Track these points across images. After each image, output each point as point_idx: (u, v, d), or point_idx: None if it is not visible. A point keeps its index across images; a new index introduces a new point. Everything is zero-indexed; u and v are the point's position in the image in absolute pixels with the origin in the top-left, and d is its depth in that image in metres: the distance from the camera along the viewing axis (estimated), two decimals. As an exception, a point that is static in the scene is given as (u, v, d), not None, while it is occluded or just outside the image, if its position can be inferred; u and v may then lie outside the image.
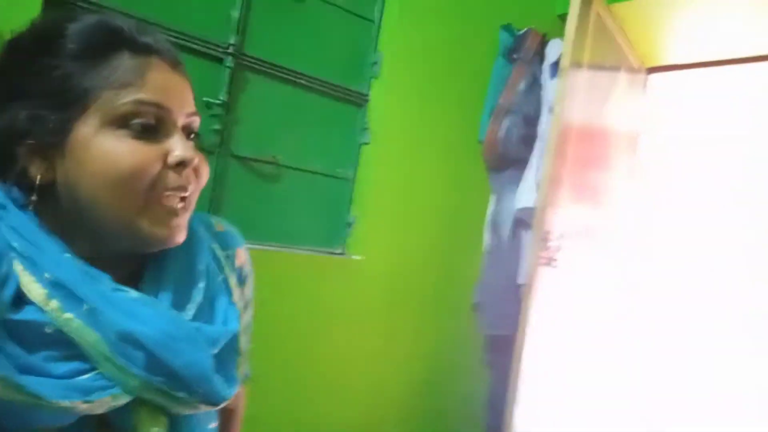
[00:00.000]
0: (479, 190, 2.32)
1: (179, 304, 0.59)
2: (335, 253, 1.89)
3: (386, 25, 1.95)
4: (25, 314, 0.51)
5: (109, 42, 0.55)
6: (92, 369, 0.53)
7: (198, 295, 0.61)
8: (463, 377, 2.34)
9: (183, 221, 0.59)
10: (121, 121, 0.54)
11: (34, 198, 0.55)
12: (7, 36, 0.57)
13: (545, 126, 2.26)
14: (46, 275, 0.52)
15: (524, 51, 2.31)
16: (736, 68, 2.77)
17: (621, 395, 2.99)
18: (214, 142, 1.59)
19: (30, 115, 0.54)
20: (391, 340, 2.06)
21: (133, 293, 0.55)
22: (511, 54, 2.31)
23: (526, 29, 2.32)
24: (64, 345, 0.52)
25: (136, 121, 0.54)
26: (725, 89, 3.20)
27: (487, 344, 2.35)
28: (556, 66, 2.26)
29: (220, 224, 0.74)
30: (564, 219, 2.08)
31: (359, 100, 1.93)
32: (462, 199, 2.26)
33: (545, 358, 2.10)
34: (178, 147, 0.57)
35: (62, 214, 0.56)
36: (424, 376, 2.19)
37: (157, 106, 0.56)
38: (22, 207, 0.56)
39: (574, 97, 2.04)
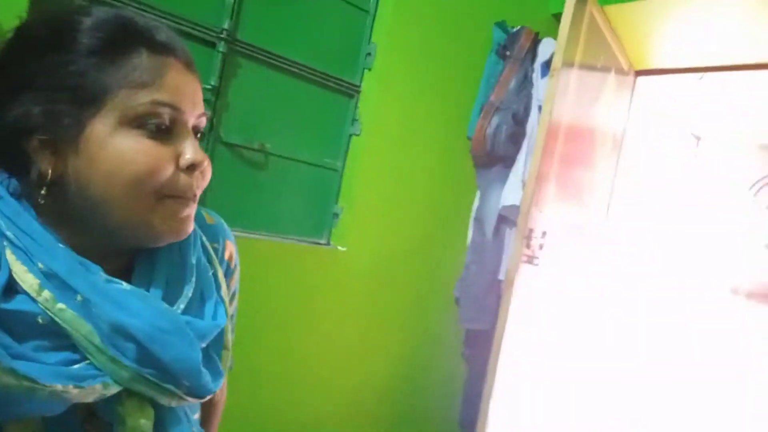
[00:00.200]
0: (466, 185, 2.33)
1: (170, 298, 0.59)
2: (320, 244, 1.90)
3: (381, 17, 1.94)
4: (17, 304, 0.51)
5: (127, 39, 0.55)
6: (83, 359, 0.53)
7: (189, 290, 0.61)
8: (441, 370, 2.37)
9: (191, 217, 0.60)
10: (137, 121, 0.54)
11: (44, 192, 0.54)
12: (17, 23, 0.56)
13: (534, 124, 2.28)
14: (40, 265, 0.52)
15: (517, 49, 2.31)
16: (722, 75, 2.81)
17: (598, 393, 3.06)
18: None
19: (45, 110, 0.53)
20: (373, 332, 2.08)
21: (125, 285, 0.55)
22: (503, 51, 2.32)
23: (519, 27, 2.33)
24: (55, 335, 0.52)
25: (152, 121, 0.55)
26: (711, 95, 3.25)
27: (466, 338, 2.39)
28: (547, 65, 2.27)
29: (210, 216, 0.74)
30: (547, 217, 2.11)
31: (351, 91, 1.93)
32: (448, 194, 2.27)
33: (522, 354, 2.14)
34: (189, 150, 0.57)
35: (64, 208, 0.56)
36: (403, 367, 2.21)
37: (173, 107, 0.56)
38: (18, 197, 0.56)
39: (563, 97, 2.05)
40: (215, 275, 0.68)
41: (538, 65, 2.37)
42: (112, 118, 0.54)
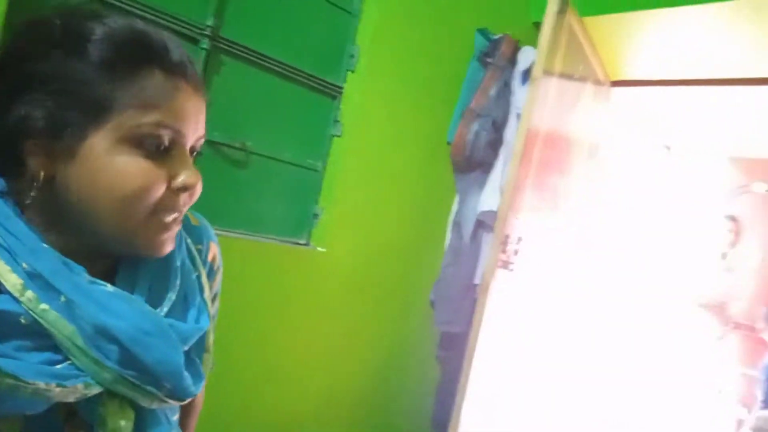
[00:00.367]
0: (445, 190, 2.36)
1: (154, 301, 0.59)
2: (300, 244, 1.90)
3: (366, 19, 1.95)
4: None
5: (141, 57, 0.54)
6: (65, 360, 0.53)
7: (173, 293, 0.61)
8: (416, 372, 2.39)
9: (174, 234, 0.60)
10: (138, 140, 0.54)
11: (33, 194, 0.54)
12: (25, 20, 0.55)
13: (512, 131, 2.31)
14: (24, 265, 0.52)
15: (498, 56, 2.34)
16: (694, 89, 2.89)
17: (568, 395, 3.11)
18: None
19: (48, 115, 0.52)
20: (349, 332, 2.09)
21: (109, 287, 0.55)
22: (485, 58, 2.34)
23: (501, 35, 2.36)
24: (38, 336, 0.52)
25: (152, 142, 0.55)
26: (683, 107, 3.34)
27: (440, 341, 2.41)
28: (527, 73, 2.30)
29: (195, 218, 0.74)
30: (524, 223, 2.14)
31: (333, 92, 1.93)
32: (427, 197, 2.29)
33: (496, 357, 2.17)
34: (184, 172, 0.57)
35: (52, 211, 0.55)
36: (378, 368, 2.23)
37: (176, 131, 0.56)
38: (3, 196, 0.55)
39: (542, 105, 2.09)
40: (198, 278, 0.68)
41: (518, 73, 2.40)
42: (114, 133, 0.53)
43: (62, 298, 0.52)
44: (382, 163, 2.09)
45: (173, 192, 0.57)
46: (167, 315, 0.59)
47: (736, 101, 3.06)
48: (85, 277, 0.54)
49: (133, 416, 0.56)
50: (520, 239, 2.10)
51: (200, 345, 0.65)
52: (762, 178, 3.72)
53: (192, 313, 0.63)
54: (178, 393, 0.58)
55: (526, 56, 2.37)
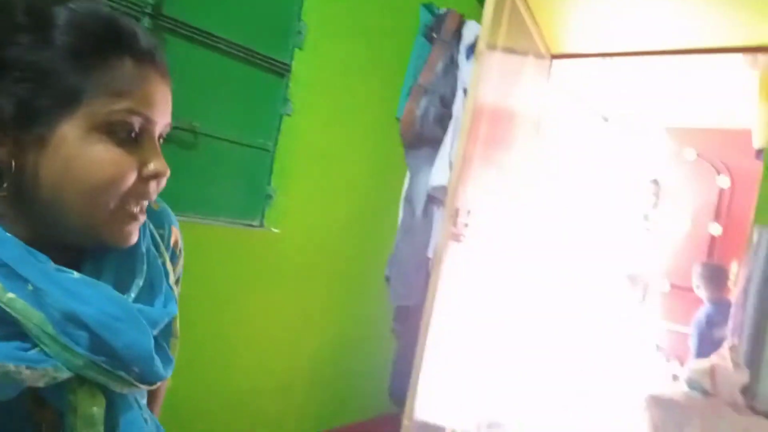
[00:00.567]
0: (396, 166, 2.38)
1: (121, 287, 0.59)
2: (253, 226, 1.88)
3: (311, -5, 1.92)
4: None
5: (111, 45, 0.54)
6: (34, 347, 0.52)
7: (140, 279, 0.61)
8: (373, 346, 2.44)
9: (138, 228, 0.60)
10: (108, 128, 0.54)
11: (5, 185, 0.53)
12: None
13: (460, 106, 2.35)
14: None
15: (443, 31, 2.36)
16: (631, 60, 3.01)
17: (518, 362, 3.25)
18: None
19: (16, 103, 0.51)
20: (306, 310, 2.10)
21: (75, 274, 0.55)
22: (430, 33, 2.36)
23: (445, 9, 2.37)
24: (5, 324, 0.51)
25: (123, 129, 0.55)
26: (620, 78, 3.47)
27: (395, 315, 2.46)
28: (472, 48, 2.34)
29: (156, 202, 0.73)
30: (472, 197, 2.20)
31: (281, 70, 1.90)
32: (379, 174, 2.31)
33: (450, 327, 2.23)
34: (153, 160, 0.58)
35: (16, 199, 0.54)
36: (335, 344, 2.25)
37: (146, 117, 0.56)
38: None
39: (487, 80, 2.13)
40: (164, 264, 0.67)
41: (463, 48, 2.43)
42: (84, 122, 0.53)
43: (29, 287, 0.51)
44: (333, 140, 2.08)
45: (143, 180, 0.57)
46: (135, 301, 0.59)
47: (671, 72, 3.20)
48: (51, 265, 0.54)
49: (104, 402, 0.56)
50: (469, 212, 2.16)
51: (167, 330, 0.65)
52: (693, 145, 3.93)
53: (159, 299, 0.63)
54: (148, 377, 0.58)
55: (470, 31, 2.40)
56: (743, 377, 1.45)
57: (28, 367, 0.50)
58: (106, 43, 0.54)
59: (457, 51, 2.43)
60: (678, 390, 1.48)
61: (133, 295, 0.59)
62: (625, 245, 4.00)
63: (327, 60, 1.99)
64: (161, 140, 0.61)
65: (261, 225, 1.89)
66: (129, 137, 0.55)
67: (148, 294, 0.62)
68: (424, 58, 2.34)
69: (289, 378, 2.08)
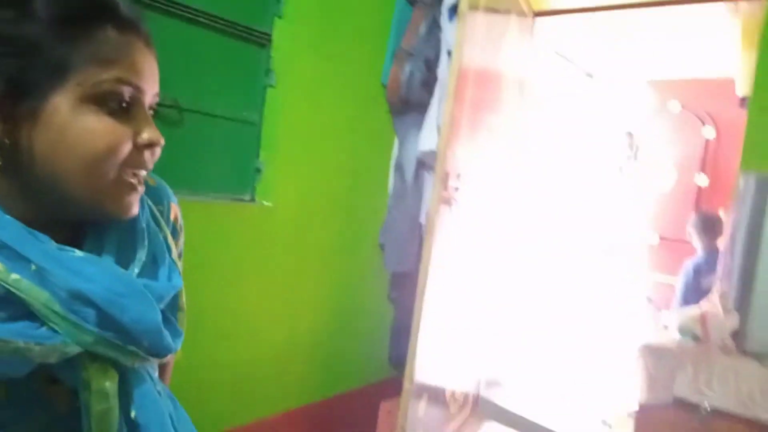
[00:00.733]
0: (384, 132, 2.37)
1: (123, 263, 0.60)
2: (245, 200, 1.87)
3: (289, -39, 1.87)
4: None
5: (93, 14, 0.54)
6: (42, 326, 0.53)
7: (142, 254, 0.62)
8: (370, 313, 2.46)
9: (139, 195, 0.61)
10: (99, 98, 0.54)
11: (1, 164, 0.53)
12: None
13: (445, 69, 2.33)
14: None
15: (424, -7, 2.32)
16: (613, 14, 2.98)
17: (515, 321, 3.31)
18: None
19: (5, 77, 0.51)
20: (301, 282, 2.11)
21: (78, 252, 0.55)
22: (411, -5, 2.32)
23: (426, -30, 2.33)
24: (12, 304, 0.52)
25: (113, 99, 0.55)
26: (603, 34, 3.44)
27: (391, 281, 2.48)
28: (454, 9, 2.30)
29: (152, 179, 0.73)
30: (461, 160, 2.20)
31: (262, 40, 1.86)
32: (368, 141, 2.30)
33: (445, 291, 2.26)
34: (146, 129, 0.58)
35: (13, 177, 0.55)
36: (333, 313, 2.28)
37: (134, 86, 0.56)
38: None
39: (471, 41, 2.11)
40: (165, 238, 0.68)
41: (445, 9, 2.39)
42: (75, 93, 0.53)
43: (33, 267, 0.52)
44: (319, 110, 2.06)
45: (138, 149, 0.58)
46: (138, 276, 0.60)
47: (653, 25, 3.18)
48: (53, 244, 0.54)
49: (116, 376, 0.57)
50: (459, 176, 2.16)
51: (174, 303, 0.66)
52: (678, 97, 3.94)
53: (163, 273, 0.63)
54: (158, 350, 0.59)
55: (452, -9, 2.36)
56: (733, 322, 1.49)
57: (37, 344, 0.51)
58: (89, 13, 0.54)
59: (439, 13, 2.39)
60: (669, 338, 1.52)
61: (136, 270, 0.60)
62: (613, 200, 4.04)
63: (308, 28, 1.95)
64: (151, 111, 0.61)
65: (252, 199, 1.89)
66: (120, 107, 0.55)
67: (152, 268, 0.63)
68: (406, 21, 2.31)
69: (288, 348, 2.11)
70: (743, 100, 1.94)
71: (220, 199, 1.80)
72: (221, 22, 1.72)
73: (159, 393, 0.64)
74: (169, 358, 0.83)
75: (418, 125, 2.32)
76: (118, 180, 0.57)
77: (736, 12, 2.55)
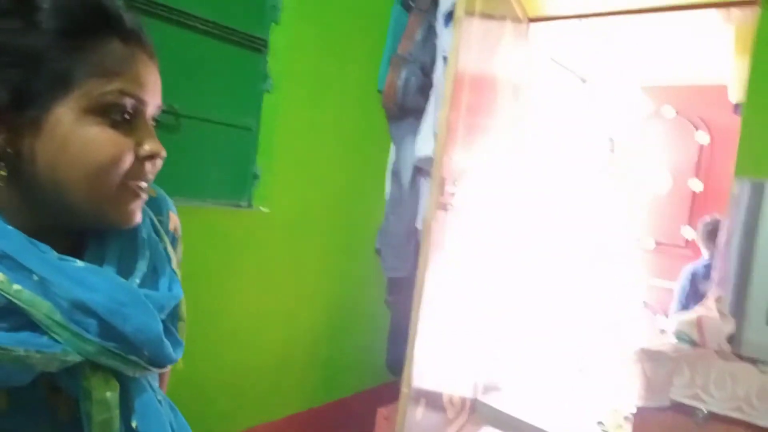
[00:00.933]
0: (380, 138, 2.37)
1: (124, 273, 0.60)
2: (242, 206, 1.87)
3: (285, -32, 1.88)
4: None
5: (98, 25, 0.55)
6: (43, 335, 0.53)
7: (143, 264, 0.62)
8: (368, 318, 2.46)
9: (142, 204, 0.61)
10: (102, 110, 0.55)
11: (3, 173, 0.53)
12: None
13: (440, 75, 2.34)
14: None
15: (420, -1, 2.33)
16: (607, 20, 3.00)
17: (512, 328, 3.31)
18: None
19: (8, 88, 0.52)
20: (299, 287, 2.11)
21: (79, 263, 0.55)
22: (407, 1, 2.33)
23: (421, -23, 2.34)
24: (14, 315, 0.52)
25: (116, 111, 0.55)
26: (597, 40, 3.47)
27: (388, 286, 2.48)
28: (450, 15, 2.31)
29: (152, 189, 0.74)
30: (458, 165, 2.20)
31: (259, 46, 1.87)
32: (364, 147, 2.30)
33: (442, 296, 2.26)
34: (149, 141, 0.58)
35: (15, 187, 0.55)
36: (330, 319, 2.28)
37: (138, 99, 0.57)
38: None
39: (467, 47, 2.12)
40: (165, 248, 0.68)
41: (440, 15, 2.40)
42: (78, 104, 0.53)
43: (34, 277, 0.52)
44: (316, 116, 2.07)
45: (140, 161, 0.58)
46: (140, 286, 0.60)
47: (647, 31, 3.21)
48: (54, 254, 0.54)
49: (117, 386, 0.57)
50: (456, 181, 2.17)
51: (175, 314, 0.66)
52: (672, 103, 3.96)
53: (164, 283, 0.64)
54: (159, 360, 0.59)
55: (447, -2, 2.37)
56: (729, 327, 1.49)
57: (38, 352, 0.51)
58: (93, 25, 0.54)
59: (435, 19, 2.40)
60: (667, 342, 1.52)
61: (137, 280, 0.60)
62: (609, 204, 4.06)
63: (304, 33, 1.96)
64: (153, 122, 0.61)
65: (249, 205, 1.89)
66: (122, 119, 0.56)
67: (152, 279, 0.63)
68: (402, 27, 2.32)
69: (286, 354, 2.10)
70: (737, 107, 1.95)
71: (217, 205, 1.80)
72: (218, 27, 1.73)
73: (160, 402, 0.64)
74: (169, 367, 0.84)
75: (415, 131, 2.33)
76: (120, 189, 0.57)
77: (728, 18, 2.57)
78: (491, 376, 3.18)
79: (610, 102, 4.22)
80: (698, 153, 3.81)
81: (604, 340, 3.36)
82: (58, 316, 0.52)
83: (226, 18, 1.75)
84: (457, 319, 2.57)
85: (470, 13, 2.09)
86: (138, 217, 0.61)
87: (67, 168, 0.54)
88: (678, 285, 3.15)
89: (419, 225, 2.31)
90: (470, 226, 2.54)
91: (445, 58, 2.31)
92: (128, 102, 0.56)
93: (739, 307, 1.50)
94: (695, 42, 3.22)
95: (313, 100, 2.04)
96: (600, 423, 2.85)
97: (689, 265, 3.16)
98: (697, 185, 3.79)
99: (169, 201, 0.75)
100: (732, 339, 1.49)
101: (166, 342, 0.60)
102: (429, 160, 2.22)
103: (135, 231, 0.62)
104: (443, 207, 2.12)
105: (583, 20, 3.07)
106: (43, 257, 0.53)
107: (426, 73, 2.33)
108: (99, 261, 0.59)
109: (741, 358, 1.47)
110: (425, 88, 2.33)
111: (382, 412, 2.38)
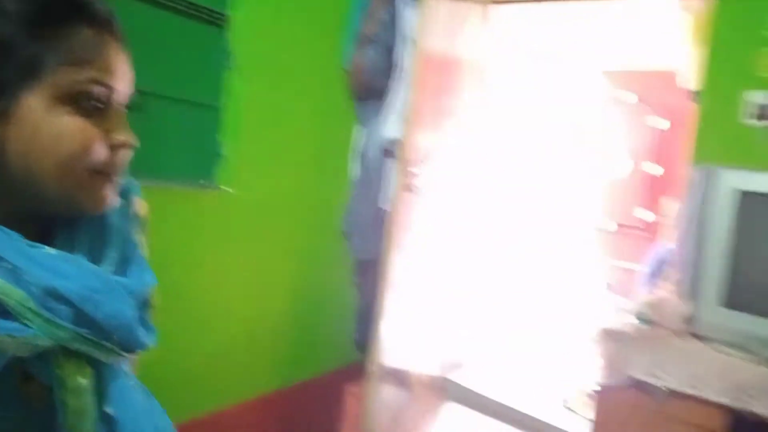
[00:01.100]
0: (347, 118, 2.35)
1: (95, 260, 0.60)
2: (206, 186, 1.82)
3: (247, -61, 1.82)
4: None
5: (67, 12, 0.54)
6: (15, 321, 0.52)
7: (113, 251, 0.62)
8: (334, 299, 2.46)
9: (113, 190, 0.61)
10: (73, 99, 0.54)
11: None
12: None
13: (406, 56, 2.32)
14: None
15: (385, -22, 2.30)
16: (570, 5, 3.03)
17: (478, 307, 3.36)
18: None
19: None
20: (265, 269, 2.09)
21: (50, 250, 0.55)
22: (371, -20, 2.29)
23: (386, -44, 2.30)
24: None
25: (87, 99, 0.55)
26: (559, 24, 3.50)
27: (355, 267, 2.48)
28: (413, -5, 2.29)
29: None
30: (425, 146, 2.20)
31: (220, 21, 1.81)
32: (331, 127, 2.28)
33: (408, 276, 2.27)
34: (119, 130, 0.58)
35: None
36: (297, 300, 2.27)
37: (108, 86, 0.57)
38: None
39: (432, 28, 2.11)
40: (134, 234, 0.69)
41: (403, -5, 2.37)
42: (49, 93, 0.53)
43: (7, 265, 0.51)
44: (281, 94, 2.03)
45: (111, 149, 0.58)
46: (112, 273, 0.60)
47: (608, 16, 3.25)
48: (24, 242, 0.54)
49: (90, 373, 0.57)
50: (422, 162, 2.17)
51: (146, 301, 0.66)
52: (633, 89, 4.04)
53: (135, 269, 0.64)
54: (132, 346, 0.59)
55: (410, -22, 2.34)
56: (685, 308, 1.55)
57: (9, 336, 0.50)
58: (62, 11, 0.54)
59: (400, -1, 2.37)
60: (627, 323, 1.57)
61: (108, 266, 0.60)
62: (573, 187, 4.14)
63: (267, 9, 1.91)
64: (125, 110, 0.61)
65: (214, 185, 1.84)
66: (93, 107, 0.56)
67: (123, 265, 0.63)
68: (367, 5, 2.29)
69: (253, 335, 2.09)
70: (693, 94, 2.00)
71: (181, 186, 1.75)
72: (177, 1, 1.66)
73: (133, 387, 0.65)
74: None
75: (381, 112, 2.31)
76: (92, 177, 0.57)
77: (687, 7, 2.62)
78: (458, 355, 3.24)
79: (572, 86, 4.28)
80: (658, 138, 3.91)
81: (569, 320, 3.45)
82: (31, 304, 0.51)
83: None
84: (424, 299, 2.60)
85: (433, -6, 2.08)
86: (109, 202, 0.60)
87: (37, 157, 0.54)
88: (644, 267, 3.24)
89: (385, 206, 2.30)
90: (437, 208, 2.56)
91: (410, 39, 2.29)
92: (99, 90, 0.55)
93: (694, 289, 1.55)
94: (655, 29, 3.29)
95: (277, 77, 2.00)
96: (565, 401, 2.94)
97: (655, 249, 3.26)
98: (656, 169, 3.90)
99: (136, 185, 0.74)
100: (688, 320, 1.54)
101: (140, 328, 0.60)
102: (396, 142, 2.21)
103: (104, 217, 0.62)
104: (409, 188, 2.12)
105: (545, 4, 3.09)
106: (14, 245, 0.53)
107: (392, 54, 2.30)
108: (69, 248, 0.58)
109: (696, 337, 1.53)
110: (391, 69, 2.31)
111: (350, 390, 2.40)
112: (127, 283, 0.60)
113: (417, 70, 2.02)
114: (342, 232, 2.40)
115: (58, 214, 0.60)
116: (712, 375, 1.33)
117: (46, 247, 0.55)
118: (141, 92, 1.58)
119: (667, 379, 1.37)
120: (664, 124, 3.89)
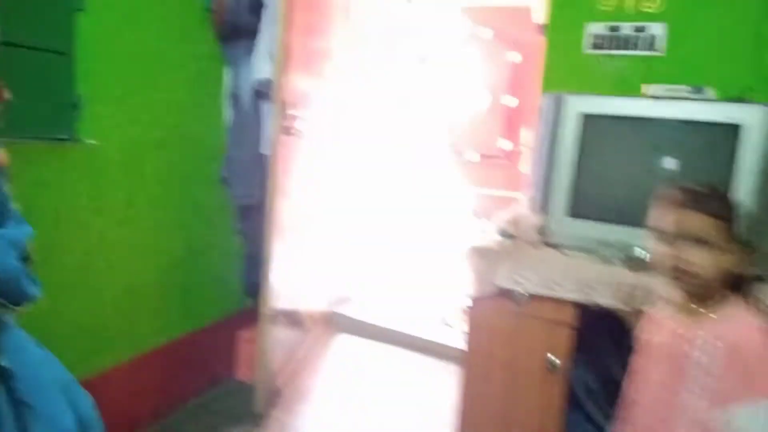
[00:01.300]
0: (214, 60, 2.27)
1: None
2: (65, 140, 1.70)
3: None
4: None
5: None
6: None
7: None
8: (218, 247, 2.44)
9: None
10: None
11: None
12: None
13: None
14: None
15: None
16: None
17: (359, 242, 3.49)
18: None
19: None
20: (141, 222, 2.02)
21: None
22: None
23: None
24: None
25: None
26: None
27: (238, 213, 2.46)
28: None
29: None
30: (299, 88, 2.21)
31: (63, -44, 1.64)
32: (197, 70, 2.19)
33: (292, 219, 2.32)
34: None
35: None
36: (179, 251, 2.22)
37: None
38: None
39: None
40: (3, 185, 0.65)
41: (266, -72, 2.29)
42: None
43: None
44: (140, 36, 1.91)
45: None
46: None
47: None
48: None
49: None
50: (298, 104, 2.18)
51: (25, 252, 0.65)
52: (489, 24, 4.25)
53: (10, 220, 0.61)
54: (20, 298, 0.59)
55: None
56: (539, 221, 1.77)
57: None
58: None
59: (261, -68, 2.28)
60: (491, 240, 1.76)
61: None
62: (438, 121, 4.34)
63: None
64: None
65: (73, 138, 1.72)
66: None
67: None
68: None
69: (136, 290, 2.03)
70: (541, 27, 2.19)
71: (36, 140, 1.61)
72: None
73: (27, 339, 0.64)
74: None
75: (250, 52, 2.26)
76: None
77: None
78: (345, 289, 3.38)
79: (433, 23, 4.41)
80: (513, 72, 4.19)
81: (442, 244, 3.71)
82: None
83: None
84: (309, 240, 2.67)
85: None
86: None
87: None
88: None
89: (265, 150, 2.29)
90: (318, 149, 2.59)
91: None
92: None
93: (545, 204, 1.78)
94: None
95: (134, 19, 1.87)
96: (444, 318, 3.22)
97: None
98: (512, 101, 4.19)
99: None
100: (542, 231, 1.77)
101: (26, 280, 0.59)
102: (268, 83, 2.19)
103: None
104: (288, 132, 2.13)
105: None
106: None
107: (257, -10, 2.24)
108: None
109: (549, 245, 1.76)
110: (257, 6, 2.25)
111: (243, 335, 2.44)
112: (5, 233, 0.58)
113: (284, 9, 1.99)
114: (221, 179, 2.37)
115: None
116: (563, 276, 1.55)
117: None
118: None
119: (526, 285, 1.57)
120: (516, 58, 4.16)
